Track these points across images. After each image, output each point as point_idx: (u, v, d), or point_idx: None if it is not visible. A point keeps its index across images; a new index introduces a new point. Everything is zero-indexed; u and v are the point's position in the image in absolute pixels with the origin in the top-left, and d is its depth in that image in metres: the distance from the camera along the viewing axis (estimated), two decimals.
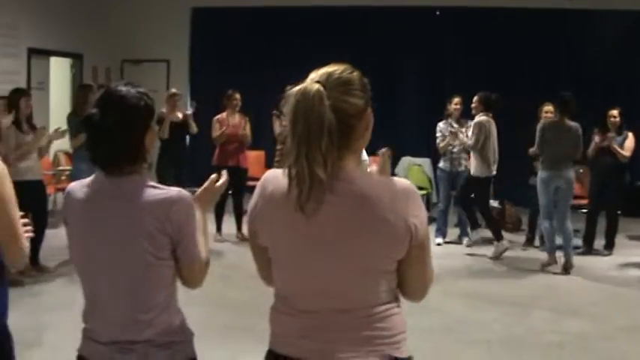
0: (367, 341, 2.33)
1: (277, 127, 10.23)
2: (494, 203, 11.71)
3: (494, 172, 9.86)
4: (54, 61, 13.59)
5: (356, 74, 2.41)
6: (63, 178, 11.47)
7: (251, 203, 2.47)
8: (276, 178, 2.39)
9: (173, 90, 10.65)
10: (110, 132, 2.62)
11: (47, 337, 6.09)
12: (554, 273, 8.88)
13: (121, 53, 14.70)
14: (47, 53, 13.21)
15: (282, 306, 2.43)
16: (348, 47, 13.75)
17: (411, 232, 2.29)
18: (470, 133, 9.90)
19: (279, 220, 2.36)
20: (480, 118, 9.72)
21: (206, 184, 2.97)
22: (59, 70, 13.89)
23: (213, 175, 2.99)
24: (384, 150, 4.87)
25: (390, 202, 2.27)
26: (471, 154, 9.86)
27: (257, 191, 2.45)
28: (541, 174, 9.07)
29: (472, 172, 9.77)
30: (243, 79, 13.79)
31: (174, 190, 2.67)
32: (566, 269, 8.87)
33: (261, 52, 14.30)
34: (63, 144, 10.56)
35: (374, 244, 2.28)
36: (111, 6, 14.27)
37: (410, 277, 2.40)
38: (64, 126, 8.99)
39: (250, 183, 10.71)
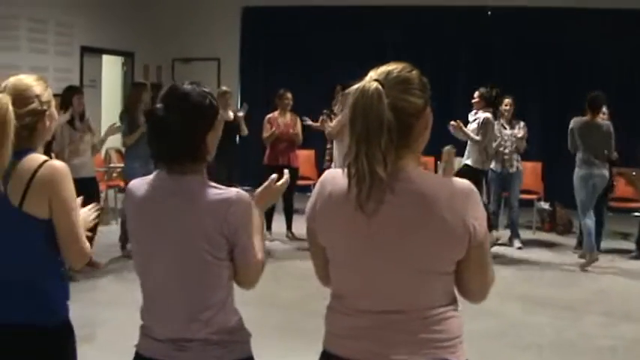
0: (423, 344, 2.31)
1: (327, 127, 10.20)
2: (544, 205, 11.59)
3: (489, 167, 9.97)
4: (106, 59, 13.74)
5: (415, 73, 2.38)
6: (114, 175, 11.59)
7: (310, 203, 2.47)
8: (334, 178, 2.39)
9: (224, 88, 10.65)
10: (173, 128, 2.63)
11: (101, 333, 6.16)
12: (598, 273, 8.77)
13: (171, 52, 14.80)
14: (99, 51, 13.37)
15: (339, 305, 2.43)
16: (398, 46, 13.76)
17: (470, 232, 2.27)
18: (516, 133, 10.05)
19: (339, 220, 2.35)
20: (485, 114, 9.64)
21: (266, 183, 2.96)
22: (111, 68, 14.04)
23: (274, 175, 2.98)
24: (448, 147, 4.85)
25: (448, 202, 2.25)
26: (470, 145, 9.73)
27: (316, 191, 2.45)
28: (578, 171, 9.13)
29: (470, 162, 9.67)
30: (293, 77, 13.82)
31: (232, 191, 2.66)
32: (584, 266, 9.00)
33: (311, 51, 14.29)
34: (114, 141, 10.67)
35: (432, 244, 2.27)
36: (162, 5, 14.39)
37: (469, 279, 2.37)
38: (116, 122, 9.08)
39: (301, 182, 10.71)
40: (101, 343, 5.87)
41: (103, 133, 9.09)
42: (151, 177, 2.76)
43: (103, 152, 11.52)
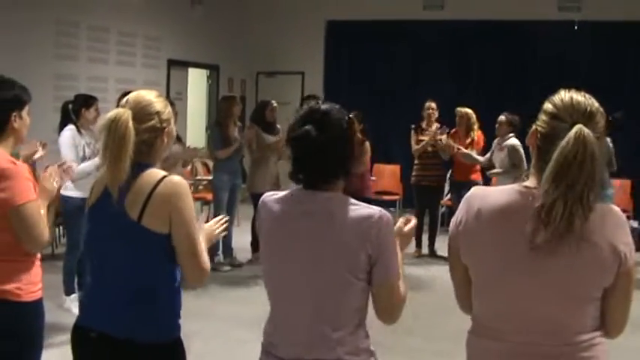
0: None
1: (414, 142, 10.12)
2: (634, 224, 11.26)
3: None
4: (192, 72, 13.91)
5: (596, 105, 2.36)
6: (200, 187, 11.69)
7: (455, 219, 2.43)
8: (484, 196, 2.37)
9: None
10: (324, 148, 2.61)
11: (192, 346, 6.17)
12: None
13: (256, 65, 14.91)
14: (186, 64, 13.54)
15: (483, 330, 2.39)
16: (484, 61, 13.60)
17: (620, 259, 2.25)
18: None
19: (488, 240, 2.31)
20: (514, 141, 9.44)
21: (399, 225, 2.88)
22: (196, 81, 14.20)
23: (402, 219, 2.92)
24: None
25: (600, 228, 2.23)
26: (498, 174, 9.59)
27: (462, 207, 2.42)
28: None
29: None
30: (377, 91, 13.78)
31: (375, 209, 2.62)
32: None
33: (395, 66, 14.23)
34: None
35: (587, 270, 2.25)
36: (247, 19, 14.50)
37: (612, 306, 2.34)
38: (201, 134, 9.16)
39: (386, 197, 10.64)
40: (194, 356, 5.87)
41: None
42: (286, 192, 2.75)
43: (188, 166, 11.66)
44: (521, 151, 9.31)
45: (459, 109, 10.13)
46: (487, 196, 2.35)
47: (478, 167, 10.02)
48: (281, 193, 2.76)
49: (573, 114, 2.28)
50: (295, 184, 2.75)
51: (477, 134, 10.10)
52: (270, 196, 2.78)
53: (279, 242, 2.70)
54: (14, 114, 3.55)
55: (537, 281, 2.26)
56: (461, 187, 8.91)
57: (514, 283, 2.28)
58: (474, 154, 9.86)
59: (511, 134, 9.50)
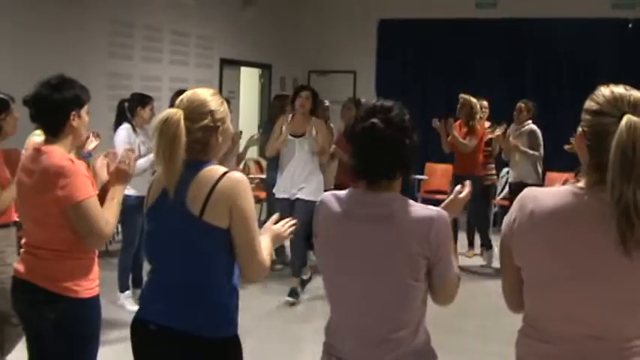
0: None
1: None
2: None
3: None
4: (244, 71, 13.99)
5: None
6: (252, 186, 11.71)
7: (506, 220, 2.42)
8: (537, 198, 2.34)
9: (363, 100, 10.64)
10: (391, 143, 2.63)
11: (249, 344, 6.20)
12: None
13: (308, 64, 14.94)
14: (238, 63, 13.61)
15: (533, 331, 2.37)
16: (536, 60, 13.46)
17: None
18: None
19: (542, 243, 2.29)
20: (532, 126, 9.64)
21: (452, 195, 2.94)
22: (249, 80, 14.27)
23: (458, 187, 2.97)
24: None
25: None
26: (520, 158, 9.70)
27: (515, 207, 2.40)
28: None
29: (524, 179, 9.46)
30: (430, 90, 13.71)
31: (433, 210, 2.65)
32: None
33: (446, 65, 14.15)
34: (252, 152, 10.81)
35: (638, 273, 2.21)
36: (299, 18, 14.54)
37: None
38: (253, 133, 9.19)
39: (438, 197, 10.57)
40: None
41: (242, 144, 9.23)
42: (345, 192, 2.75)
43: (241, 163, 11.71)
44: (540, 136, 9.54)
45: (461, 95, 9.88)
46: (540, 197, 2.32)
47: (480, 161, 9.68)
48: (341, 193, 2.77)
49: (618, 106, 2.24)
50: (353, 185, 2.75)
51: (480, 123, 9.72)
52: (330, 196, 2.79)
53: (339, 243, 2.71)
54: (73, 113, 3.61)
55: (598, 284, 2.23)
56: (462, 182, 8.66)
57: (570, 285, 2.26)
58: (466, 141, 9.49)
59: (529, 120, 9.69)
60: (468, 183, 3.01)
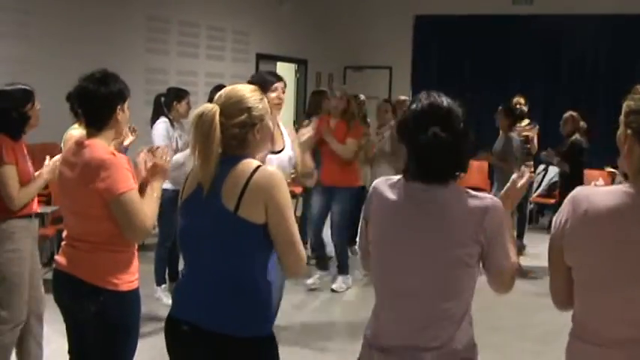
0: None
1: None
2: None
3: None
4: (280, 66, 14.00)
5: None
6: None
7: (557, 219, 2.40)
8: (589, 196, 2.32)
9: (402, 97, 10.61)
10: (452, 147, 2.61)
11: (286, 337, 6.23)
12: None
13: (343, 59, 14.94)
14: (274, 58, 13.64)
15: (585, 334, 2.35)
16: (574, 57, 13.34)
17: None
18: None
19: (596, 243, 2.27)
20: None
21: (509, 184, 2.91)
22: (285, 75, 14.21)
23: (515, 175, 2.93)
24: None
25: None
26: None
27: (567, 207, 2.37)
28: None
29: None
30: (465, 87, 13.64)
31: (488, 198, 2.64)
32: None
33: (483, 61, 14.08)
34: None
35: None
36: (335, 14, 14.53)
37: None
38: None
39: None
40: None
41: None
42: (398, 179, 2.74)
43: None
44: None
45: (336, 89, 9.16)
46: (594, 197, 2.30)
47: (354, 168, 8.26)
48: (394, 180, 2.75)
49: None
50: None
51: (355, 123, 8.18)
52: (384, 183, 2.78)
53: (392, 232, 2.70)
54: (119, 107, 3.66)
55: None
56: (328, 193, 8.00)
57: (626, 286, 2.23)
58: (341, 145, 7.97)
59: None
60: (525, 169, 2.97)
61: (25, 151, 4.78)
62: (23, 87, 4.83)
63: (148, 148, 3.88)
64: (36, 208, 4.89)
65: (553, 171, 11.88)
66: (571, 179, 8.83)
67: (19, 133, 4.75)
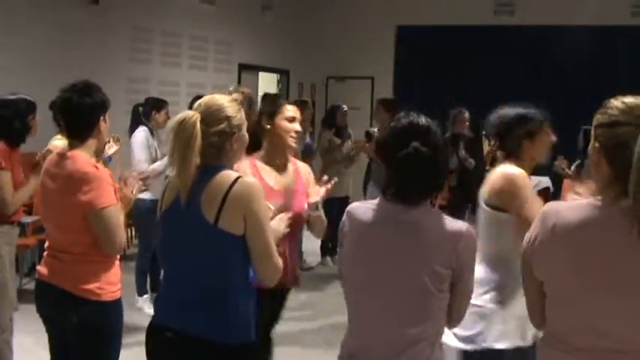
0: None
1: (487, 147, 10.01)
2: None
3: None
4: (262, 76, 14.02)
5: None
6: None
7: (528, 234, 2.42)
8: (559, 212, 2.33)
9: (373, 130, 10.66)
10: (430, 166, 2.64)
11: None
12: None
13: (326, 70, 14.96)
14: (256, 69, 13.64)
15: (556, 342, 2.36)
16: (555, 67, 13.41)
17: None
18: None
19: (565, 257, 2.29)
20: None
21: None
22: (267, 86, 14.30)
23: None
24: None
25: None
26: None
27: (537, 224, 2.39)
28: None
29: None
30: (448, 97, 13.67)
31: (462, 224, 2.66)
32: None
33: (465, 72, 14.13)
34: None
35: None
36: (317, 25, 14.55)
37: None
38: None
39: None
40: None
41: None
42: (374, 202, 2.76)
43: None
44: None
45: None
46: (563, 211, 2.32)
47: None
48: (368, 204, 2.78)
49: (635, 114, 2.24)
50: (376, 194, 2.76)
51: None
52: (357, 207, 2.80)
53: (364, 255, 2.72)
54: (102, 117, 3.67)
55: (622, 295, 2.21)
56: None
57: (593, 297, 2.25)
58: None
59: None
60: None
61: (19, 159, 4.86)
62: (26, 98, 4.92)
63: (137, 174, 3.93)
64: (20, 216, 4.92)
65: (534, 181, 11.93)
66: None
67: (19, 142, 4.88)
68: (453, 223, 2.65)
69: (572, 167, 9.21)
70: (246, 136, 3.14)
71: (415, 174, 2.64)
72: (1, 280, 4.72)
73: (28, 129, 4.89)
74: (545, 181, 11.11)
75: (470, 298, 2.74)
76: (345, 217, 2.83)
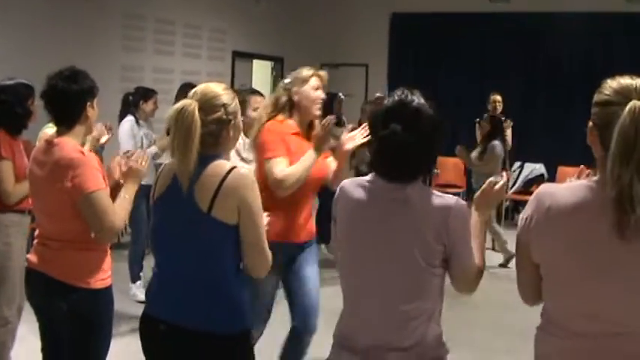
0: None
1: (479, 134, 10.02)
2: None
3: None
4: (256, 63, 13.99)
5: None
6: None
7: (523, 216, 2.41)
8: (553, 194, 2.32)
9: (378, 94, 10.62)
10: (413, 148, 2.62)
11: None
12: None
13: (320, 57, 14.89)
14: (250, 56, 13.62)
15: (554, 328, 2.36)
16: (551, 54, 13.41)
17: None
18: None
19: (560, 238, 2.28)
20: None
21: (484, 187, 2.92)
22: (261, 73, 14.27)
23: (491, 179, 2.93)
24: None
25: None
26: None
27: (532, 204, 2.38)
28: None
29: None
30: (442, 85, 13.68)
31: (452, 198, 2.66)
32: None
33: (460, 59, 14.12)
34: None
35: None
36: (312, 11, 14.52)
37: None
38: None
39: (450, 190, 10.53)
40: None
41: None
42: (366, 179, 2.76)
43: None
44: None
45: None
46: (557, 193, 2.31)
47: None
48: (361, 179, 2.77)
49: (625, 94, 2.22)
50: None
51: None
52: (351, 183, 2.80)
53: (357, 231, 2.72)
54: (89, 104, 3.64)
55: (622, 279, 2.20)
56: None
57: (591, 281, 2.24)
58: None
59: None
60: (504, 174, 2.98)
61: (22, 147, 4.79)
62: (24, 82, 4.86)
63: (124, 153, 3.88)
64: (29, 204, 4.88)
65: (528, 168, 11.96)
66: None
67: (21, 129, 4.82)
68: (442, 198, 2.65)
69: (473, 153, 9.24)
70: (241, 124, 3.14)
71: (390, 156, 2.64)
72: (7, 269, 4.68)
73: (30, 114, 4.81)
74: (539, 168, 11.19)
75: (472, 271, 2.70)
76: (338, 191, 2.84)
